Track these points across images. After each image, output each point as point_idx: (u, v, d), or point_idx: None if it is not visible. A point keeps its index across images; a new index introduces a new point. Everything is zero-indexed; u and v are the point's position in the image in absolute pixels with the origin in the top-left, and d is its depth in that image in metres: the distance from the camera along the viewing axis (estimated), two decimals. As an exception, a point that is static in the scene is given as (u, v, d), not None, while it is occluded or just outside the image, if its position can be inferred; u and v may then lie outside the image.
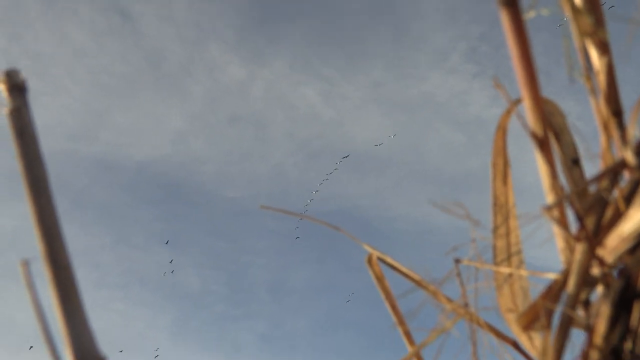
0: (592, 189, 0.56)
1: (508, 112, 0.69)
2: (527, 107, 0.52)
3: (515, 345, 0.73)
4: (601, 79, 0.56)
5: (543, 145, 0.53)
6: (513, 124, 0.71)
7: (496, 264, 0.70)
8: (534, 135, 0.53)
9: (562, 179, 0.63)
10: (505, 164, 0.71)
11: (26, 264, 0.53)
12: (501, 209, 0.71)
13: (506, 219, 0.70)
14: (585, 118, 0.61)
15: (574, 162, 0.65)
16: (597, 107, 0.56)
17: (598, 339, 0.50)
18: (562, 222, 0.58)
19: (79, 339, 0.53)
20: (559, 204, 0.57)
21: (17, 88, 0.58)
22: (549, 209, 0.50)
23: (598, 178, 0.51)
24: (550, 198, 0.58)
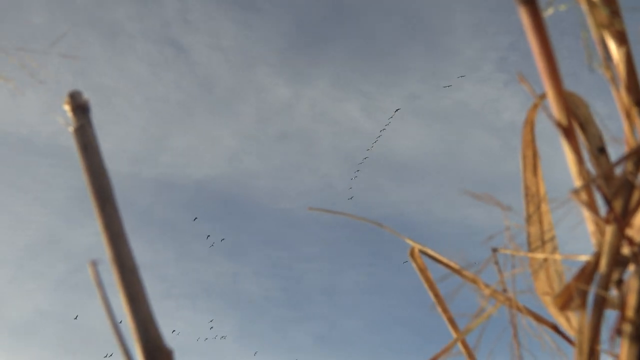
0: (619, 172, 0.59)
1: (534, 107, 0.73)
2: (550, 98, 0.56)
3: (555, 328, 0.76)
4: (620, 69, 0.59)
5: (568, 133, 0.57)
6: (542, 120, 0.74)
7: (531, 250, 0.73)
8: (559, 124, 0.56)
9: (590, 167, 0.66)
10: (535, 155, 0.74)
11: (94, 264, 0.58)
12: (533, 198, 0.74)
13: (538, 207, 0.73)
14: (614, 117, 0.64)
15: (600, 151, 0.68)
16: (619, 97, 0.59)
17: (630, 312, 0.53)
18: (591, 206, 0.62)
19: (147, 334, 0.58)
20: (586, 187, 0.60)
21: (81, 108, 0.64)
22: (576, 192, 0.53)
23: (623, 159, 0.55)
24: (578, 184, 0.61)
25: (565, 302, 0.62)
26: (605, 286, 0.59)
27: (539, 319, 0.76)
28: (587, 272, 0.62)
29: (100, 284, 0.56)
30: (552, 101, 0.55)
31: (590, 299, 0.61)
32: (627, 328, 0.53)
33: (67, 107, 0.64)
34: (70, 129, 0.63)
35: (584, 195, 0.61)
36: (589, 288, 0.61)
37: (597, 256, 0.61)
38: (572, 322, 0.66)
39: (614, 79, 0.58)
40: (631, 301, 0.53)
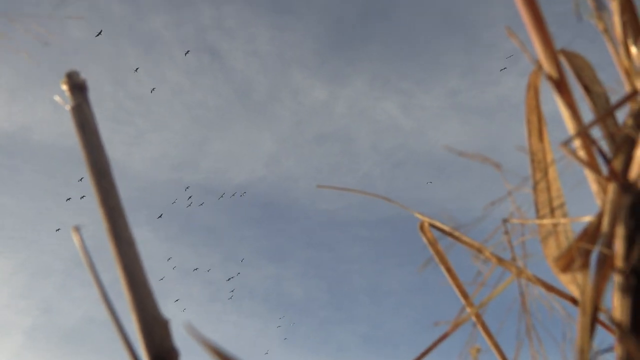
0: (612, 124, 0.57)
1: (536, 70, 0.71)
2: (538, 51, 0.54)
3: (566, 297, 0.74)
4: (616, 20, 0.57)
5: (560, 87, 0.55)
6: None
7: (539, 218, 0.72)
8: (550, 78, 0.55)
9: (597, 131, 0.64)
10: (540, 120, 0.73)
11: (78, 229, 0.59)
12: (539, 164, 0.72)
13: (545, 173, 0.72)
14: (603, 68, 0.62)
15: (607, 114, 0.66)
16: (613, 48, 0.57)
17: (619, 262, 0.51)
18: (592, 164, 0.60)
19: (143, 304, 0.59)
20: (585, 145, 0.59)
21: (78, 87, 0.66)
22: (566, 143, 0.51)
23: (617, 105, 0.53)
24: (575, 141, 0.60)
25: (567, 263, 0.61)
26: (608, 244, 0.57)
27: (550, 288, 0.74)
28: (590, 232, 0.60)
29: (85, 250, 0.57)
30: (540, 54, 0.54)
31: (594, 259, 0.59)
32: (618, 279, 0.51)
33: (64, 87, 0.65)
34: (68, 107, 0.64)
35: (583, 154, 0.59)
36: (592, 248, 0.59)
37: (600, 215, 0.59)
38: (577, 282, 0.64)
39: (606, 30, 0.56)
40: (619, 249, 0.51)
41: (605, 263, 0.58)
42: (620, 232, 0.50)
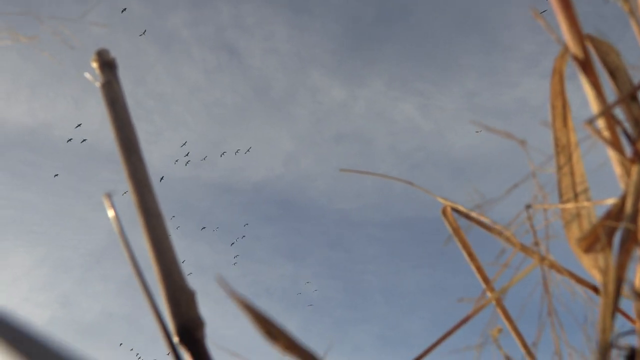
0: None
1: (562, 55, 0.71)
2: (564, 32, 0.54)
3: (590, 285, 0.74)
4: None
5: (585, 67, 0.55)
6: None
7: (563, 202, 0.72)
8: (575, 59, 0.55)
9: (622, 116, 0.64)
10: (564, 106, 0.73)
11: (109, 195, 0.61)
12: (563, 149, 0.72)
13: (569, 158, 0.72)
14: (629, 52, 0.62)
15: (632, 99, 0.66)
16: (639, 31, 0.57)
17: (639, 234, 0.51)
18: (616, 145, 0.60)
19: (170, 275, 0.60)
20: (610, 127, 0.59)
21: (108, 65, 0.67)
22: (591, 121, 0.52)
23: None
24: (600, 122, 0.60)
25: (590, 244, 0.61)
26: (631, 225, 0.57)
27: (572, 275, 0.74)
28: (614, 214, 0.60)
29: (117, 216, 0.59)
30: (566, 35, 0.54)
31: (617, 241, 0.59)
32: (639, 251, 0.51)
33: (94, 65, 0.67)
34: (98, 84, 0.66)
35: (607, 134, 0.59)
36: (615, 228, 0.59)
37: (624, 197, 0.59)
38: (598, 264, 0.64)
39: (632, 12, 0.56)
40: (641, 224, 0.51)
41: (628, 243, 0.58)
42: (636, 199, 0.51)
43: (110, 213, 0.59)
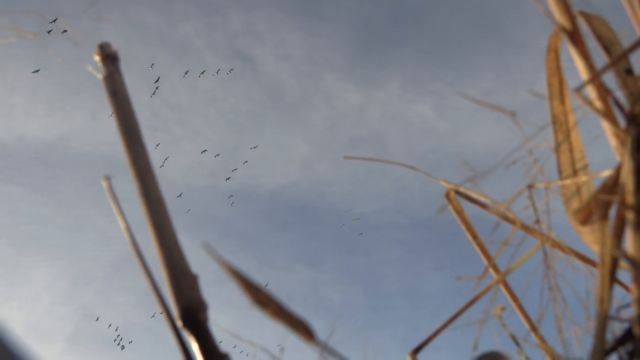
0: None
1: (557, 32, 0.72)
2: (552, 5, 0.55)
3: (591, 262, 0.74)
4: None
5: (574, 37, 0.56)
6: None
7: (562, 179, 0.72)
8: (563, 29, 0.56)
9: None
10: (561, 83, 0.73)
11: (108, 179, 0.62)
12: (561, 127, 0.73)
13: (567, 135, 0.72)
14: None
15: (627, 72, 0.66)
16: (634, 13, 0.57)
17: (629, 197, 0.52)
18: (609, 117, 0.60)
19: (173, 260, 0.61)
20: (603, 99, 0.59)
21: (110, 57, 0.69)
22: (578, 89, 0.52)
23: (631, 49, 0.53)
24: (592, 93, 0.60)
25: (587, 215, 0.61)
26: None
27: (574, 252, 0.75)
28: (610, 185, 0.61)
29: (115, 198, 0.60)
30: (553, 6, 0.55)
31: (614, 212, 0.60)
32: (630, 215, 0.52)
33: (97, 57, 0.68)
34: (100, 76, 0.68)
35: (599, 105, 0.59)
36: (611, 199, 0.59)
37: (619, 168, 0.60)
38: (595, 235, 0.64)
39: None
40: (629, 185, 0.51)
41: (623, 215, 0.58)
42: (628, 166, 0.51)
43: (107, 193, 0.61)
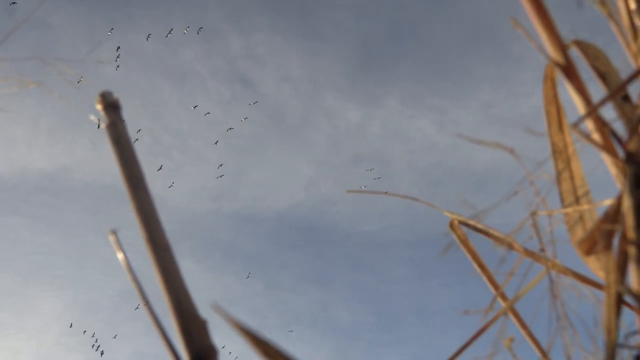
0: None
1: (552, 62, 0.72)
2: (543, 39, 0.56)
3: (598, 286, 0.74)
4: (621, 5, 0.59)
5: (569, 72, 0.57)
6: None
7: (565, 207, 0.72)
8: (557, 64, 0.56)
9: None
10: (559, 110, 0.74)
11: (115, 232, 0.63)
12: (561, 154, 0.73)
13: (568, 163, 0.73)
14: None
15: (624, 100, 0.67)
16: (620, 33, 0.58)
17: (630, 233, 0.52)
18: (608, 148, 0.61)
19: (181, 305, 0.62)
20: (600, 129, 0.60)
21: (111, 106, 0.70)
22: (576, 125, 0.53)
23: (627, 81, 0.54)
24: (591, 127, 0.61)
25: (591, 245, 0.61)
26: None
27: (581, 277, 0.75)
28: (612, 214, 0.61)
29: (122, 250, 0.61)
30: (546, 42, 0.55)
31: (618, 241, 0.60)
32: (631, 250, 0.52)
33: (99, 106, 0.69)
34: (103, 125, 0.68)
35: (597, 137, 0.60)
36: (613, 229, 0.60)
37: (620, 197, 0.60)
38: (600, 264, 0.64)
39: (611, 15, 0.57)
40: (629, 221, 0.52)
41: (625, 244, 0.58)
42: (627, 203, 0.51)
43: (115, 246, 0.62)
